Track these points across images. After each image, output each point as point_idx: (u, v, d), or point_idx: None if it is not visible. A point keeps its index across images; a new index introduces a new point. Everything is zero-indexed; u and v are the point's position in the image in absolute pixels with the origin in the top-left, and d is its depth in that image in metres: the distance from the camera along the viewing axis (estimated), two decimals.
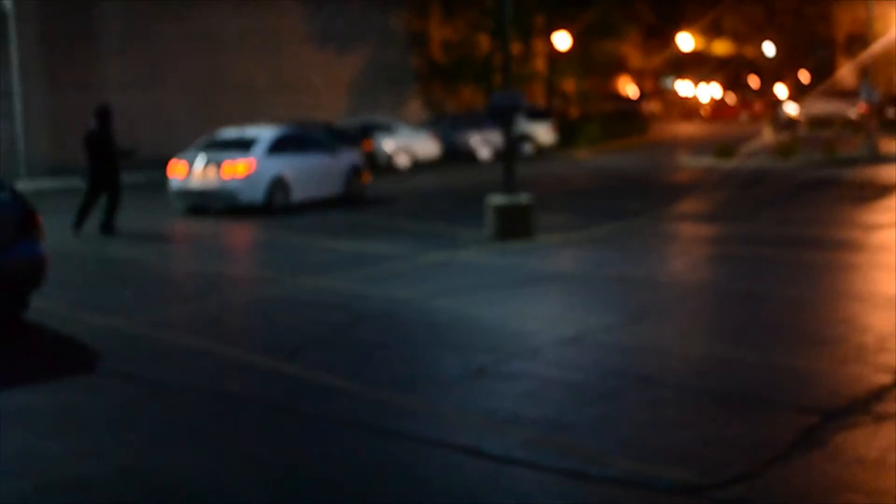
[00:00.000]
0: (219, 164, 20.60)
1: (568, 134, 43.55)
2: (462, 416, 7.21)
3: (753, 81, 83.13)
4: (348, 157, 23.55)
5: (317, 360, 8.91)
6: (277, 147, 21.45)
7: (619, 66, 66.16)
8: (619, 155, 39.76)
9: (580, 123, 47.32)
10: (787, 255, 14.40)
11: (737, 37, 74.26)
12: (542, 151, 40.16)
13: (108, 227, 18.04)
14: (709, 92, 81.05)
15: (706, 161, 34.40)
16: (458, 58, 45.45)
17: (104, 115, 18.21)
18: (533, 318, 10.43)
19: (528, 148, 39.41)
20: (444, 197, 24.85)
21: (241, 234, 18.62)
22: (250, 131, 22.23)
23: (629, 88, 73.51)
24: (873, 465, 6.07)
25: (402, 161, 33.96)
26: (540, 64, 50.89)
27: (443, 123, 38.42)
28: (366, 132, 33.20)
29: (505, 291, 11.99)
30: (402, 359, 8.86)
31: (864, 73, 45.16)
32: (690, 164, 34.61)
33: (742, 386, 7.80)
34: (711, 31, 72.12)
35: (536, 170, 31.19)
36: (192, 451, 6.67)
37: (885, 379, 7.83)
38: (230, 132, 22.68)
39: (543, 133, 41.24)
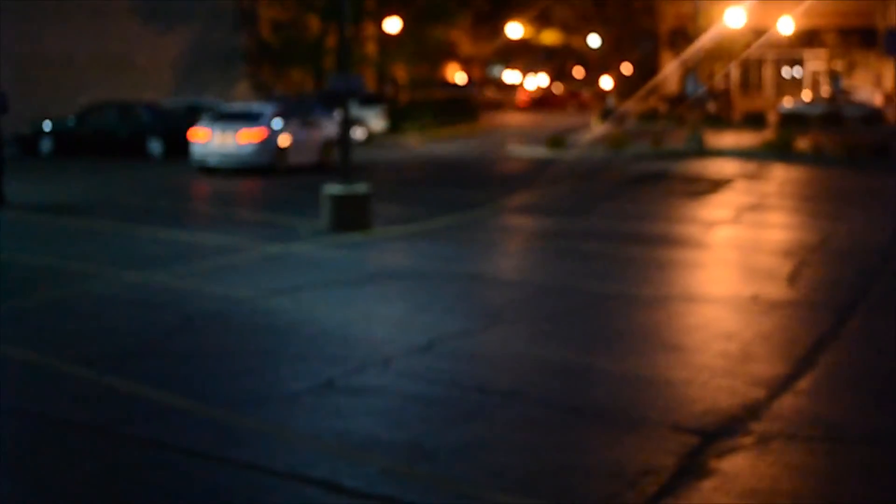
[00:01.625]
0: (236, 132, 24.84)
1: (398, 120, 42.93)
2: (312, 439, 6.46)
3: (579, 72, 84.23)
4: (326, 130, 27.33)
5: (145, 371, 7.97)
6: (278, 119, 25.74)
7: (449, 53, 65.92)
8: (451, 143, 39.35)
9: (411, 110, 46.74)
10: (630, 252, 14.09)
11: (565, 27, 74.96)
12: (372, 138, 39.38)
13: None
14: (536, 81, 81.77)
15: (538, 151, 34.32)
16: (288, 39, 44.24)
17: None
18: (380, 322, 9.73)
19: (359, 134, 38.58)
20: (274, 183, 23.86)
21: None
22: (254, 105, 27.17)
23: (458, 76, 73.47)
24: (767, 496, 5.61)
25: None
26: (371, 48, 50.10)
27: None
28: (192, 114, 31.80)
29: (347, 290, 11.24)
30: (240, 370, 8.01)
31: (689, 67, 46.06)
32: (523, 153, 34.46)
33: (610, 400, 7.28)
34: (541, 20, 72.63)
35: (368, 157, 30.44)
36: (6, 483, 5.75)
37: (758, 393, 7.43)
38: (234, 106, 27.75)
39: (374, 119, 40.51)
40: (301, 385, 7.53)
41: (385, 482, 5.76)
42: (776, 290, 11.41)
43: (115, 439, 6.46)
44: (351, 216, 15.99)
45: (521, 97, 75.50)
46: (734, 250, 14.68)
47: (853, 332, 9.69)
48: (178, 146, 30.20)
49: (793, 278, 12.21)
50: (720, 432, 6.58)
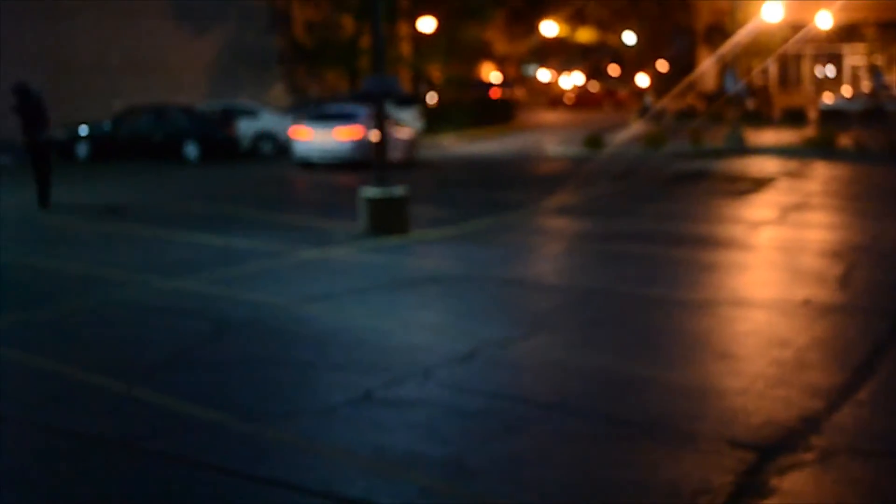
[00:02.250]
0: (335, 130, 27.21)
1: (434, 120, 42.65)
2: (348, 454, 6.17)
3: (615, 70, 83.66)
4: (406, 131, 29.81)
5: (174, 382, 7.72)
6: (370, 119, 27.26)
7: (484, 52, 65.58)
8: (487, 143, 39.06)
9: (446, 110, 46.45)
10: (674, 255, 13.72)
11: (600, 24, 74.44)
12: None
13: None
14: (571, 80, 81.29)
15: (576, 150, 33.96)
16: (322, 40, 44.05)
17: (20, 91, 19.08)
18: (419, 329, 9.43)
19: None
20: (312, 186, 23.65)
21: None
22: (347, 107, 28.99)
23: (493, 75, 73.13)
24: None
25: (267, 147, 32.59)
26: (405, 48, 49.86)
27: (307, 108, 37.07)
28: (228, 116, 31.71)
29: (385, 295, 10.96)
30: (273, 380, 7.74)
31: (727, 63, 45.47)
32: (560, 153, 34.11)
33: (660, 412, 6.94)
34: (576, 18, 72.15)
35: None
36: (24, 498, 5.50)
37: (816, 404, 7.07)
38: (330, 108, 29.76)
39: (411, 120, 40.20)
40: (338, 397, 7.25)
41: (424, 502, 5.46)
42: (828, 294, 11.02)
43: (140, 455, 6.20)
44: (388, 219, 15.73)
45: (566, 95, 74.98)
46: (781, 252, 14.26)
47: None
48: (214, 149, 30.14)
49: (844, 281, 11.80)
50: (779, 447, 6.23)
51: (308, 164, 27.68)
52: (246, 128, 32.03)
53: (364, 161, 25.99)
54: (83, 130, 30.64)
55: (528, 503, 5.45)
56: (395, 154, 27.42)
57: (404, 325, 9.57)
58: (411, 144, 29.79)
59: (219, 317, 9.81)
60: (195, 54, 39.88)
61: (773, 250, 14.45)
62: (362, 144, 26.75)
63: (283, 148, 32.69)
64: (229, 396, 7.32)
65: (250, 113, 33.17)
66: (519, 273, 12.47)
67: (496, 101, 54.88)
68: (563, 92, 78.33)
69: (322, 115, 28.91)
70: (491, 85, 65.48)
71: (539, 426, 6.69)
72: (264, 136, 32.69)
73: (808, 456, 6.11)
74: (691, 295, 10.96)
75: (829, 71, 62.86)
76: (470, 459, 6.07)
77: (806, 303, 10.48)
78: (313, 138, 27.51)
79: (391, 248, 14.38)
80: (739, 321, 9.79)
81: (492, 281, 11.89)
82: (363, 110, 27.50)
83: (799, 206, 19.08)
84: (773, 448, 6.22)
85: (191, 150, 29.99)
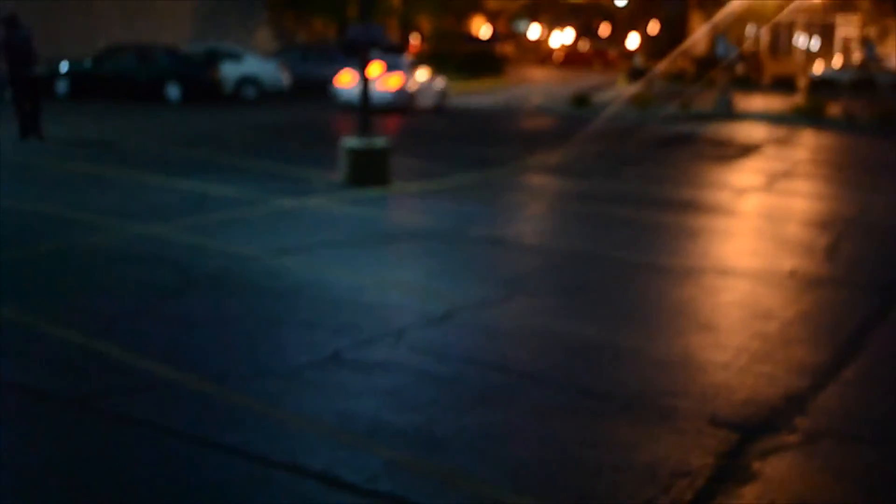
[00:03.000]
0: (379, 79, 28.07)
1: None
2: (312, 422, 5.87)
3: (605, 30, 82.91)
4: (439, 81, 32.21)
5: (136, 336, 7.37)
6: (411, 68, 30.59)
7: (475, 6, 64.79)
8: (475, 97, 38.56)
9: (435, 62, 45.84)
10: (659, 219, 13.43)
11: None
12: None
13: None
14: (561, 38, 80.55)
15: (563, 108, 33.61)
16: None
17: (9, 23, 18.77)
18: (394, 287, 9.12)
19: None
20: (293, 133, 23.22)
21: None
22: (389, 56, 29.94)
23: (483, 29, 72.36)
24: None
25: (250, 92, 32.07)
26: None
27: (294, 54, 36.51)
28: (212, 59, 31.14)
29: (361, 250, 10.63)
30: (239, 338, 7.41)
31: (718, 28, 45.04)
32: (548, 110, 33.73)
33: (640, 386, 6.66)
34: None
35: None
36: None
37: (801, 382, 6.81)
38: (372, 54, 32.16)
39: None
40: (305, 358, 6.94)
41: (389, 477, 5.17)
42: (814, 266, 10.77)
43: (94, 414, 5.87)
44: (369, 170, 15.38)
45: (555, 53, 74.30)
46: (768, 220, 13.99)
47: None
48: (197, 91, 29.61)
49: (831, 253, 11.56)
50: (762, 428, 5.97)
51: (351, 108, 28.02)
52: (230, 71, 31.48)
53: (405, 107, 29.24)
54: (63, 67, 30.02)
55: (495, 480, 5.17)
56: (427, 102, 30.93)
57: (379, 282, 9.25)
58: (443, 94, 32.15)
59: (188, 267, 9.48)
60: None
61: (760, 218, 14.19)
62: (402, 92, 29.28)
63: (266, 92, 32.18)
64: (192, 354, 7.00)
65: (235, 56, 32.60)
66: (499, 232, 12.15)
67: (486, 55, 54.22)
68: (552, 50, 77.63)
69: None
70: (481, 39, 64.77)
71: (514, 397, 6.41)
72: (248, 81, 32.15)
73: (792, 438, 5.86)
74: (675, 261, 10.68)
75: (821, 41, 62.51)
76: (439, 431, 5.78)
77: (792, 274, 10.23)
78: (356, 85, 27.56)
79: (370, 200, 14.05)
80: (723, 291, 9.52)
81: (471, 239, 11.57)
82: (404, 59, 31.19)
83: (786, 174, 18.82)
84: (755, 428, 5.96)
85: (172, 91, 29.47)
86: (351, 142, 15.42)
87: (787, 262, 10.79)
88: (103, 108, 27.11)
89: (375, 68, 28.23)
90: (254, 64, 32.71)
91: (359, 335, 7.46)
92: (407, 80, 29.58)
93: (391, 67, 29.45)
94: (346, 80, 29.00)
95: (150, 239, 10.74)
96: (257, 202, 13.25)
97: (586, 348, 7.50)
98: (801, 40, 63.55)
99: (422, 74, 31.23)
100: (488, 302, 8.65)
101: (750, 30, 54.93)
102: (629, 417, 6.12)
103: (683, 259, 10.91)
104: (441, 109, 31.36)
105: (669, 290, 9.49)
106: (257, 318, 7.95)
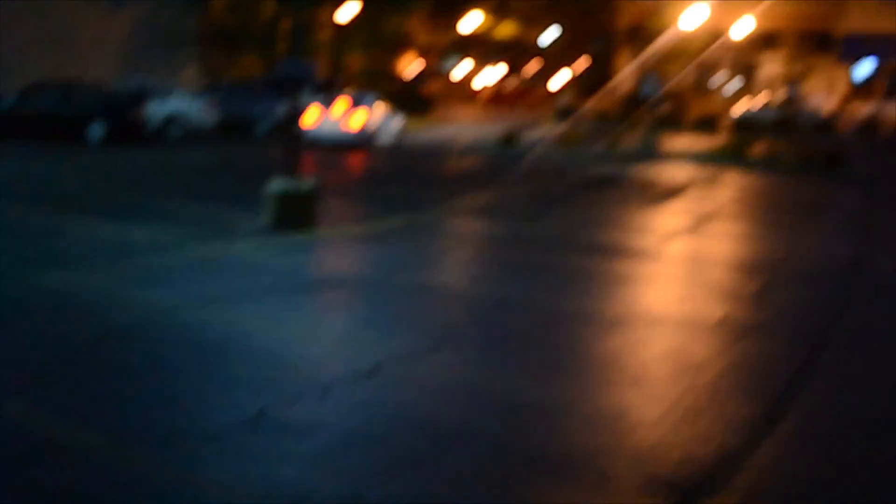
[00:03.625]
0: (342, 116, 30.40)
1: None
2: (232, 490, 5.60)
3: (532, 68, 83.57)
4: (398, 119, 33.63)
5: (46, 396, 7.03)
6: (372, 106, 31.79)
7: (405, 43, 64.93)
8: (403, 136, 38.47)
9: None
10: (587, 264, 13.34)
11: (522, 20, 74.19)
12: None
13: None
14: (489, 76, 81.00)
15: (492, 148, 33.63)
16: (241, 21, 43.03)
17: None
18: (321, 339, 8.88)
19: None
20: (218, 174, 22.90)
21: None
22: (354, 94, 32.69)
23: (411, 67, 72.51)
24: None
25: (177, 131, 31.61)
26: (325, 35, 48.99)
27: (221, 92, 36.12)
28: (137, 97, 30.59)
29: (286, 300, 10.38)
30: (159, 397, 7.11)
31: (645, 67, 45.57)
32: (475, 149, 33.73)
33: (574, 446, 6.49)
34: (499, 12, 71.82)
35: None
36: None
37: (736, 439, 6.70)
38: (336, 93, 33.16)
39: None
40: (227, 417, 6.66)
41: None
42: (744, 313, 10.73)
43: None
44: (295, 214, 15.11)
45: (483, 91, 74.68)
46: (695, 264, 13.99)
47: (829, 365, 8.99)
48: (121, 130, 29.09)
49: (760, 300, 11.55)
50: (700, 489, 5.84)
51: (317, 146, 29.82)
52: (156, 109, 30.96)
53: (366, 145, 30.82)
54: None
55: None
56: (386, 139, 32.32)
57: (304, 334, 9.01)
58: (401, 131, 33.78)
59: (104, 319, 9.14)
60: (109, 31, 38.63)
61: (687, 263, 14.20)
62: (364, 131, 30.90)
63: (193, 131, 31.72)
64: (105, 415, 6.69)
65: (161, 94, 32.11)
66: (426, 279, 11.97)
67: (414, 93, 54.25)
68: (480, 88, 78.02)
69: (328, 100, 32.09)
70: (408, 78, 64.86)
71: (445, 458, 6.20)
72: (175, 119, 31.65)
73: (731, 500, 5.72)
74: (603, 309, 10.57)
75: (744, 80, 63.57)
76: (368, 497, 5.55)
77: (721, 323, 10.17)
78: (322, 123, 30.82)
79: (296, 245, 13.79)
80: (653, 341, 9.42)
81: (398, 287, 11.37)
82: (369, 98, 32.36)
83: (712, 216, 18.92)
84: (693, 490, 5.82)
85: (96, 130, 28.92)
86: (277, 184, 15.16)
87: (716, 310, 10.74)
88: (23, 149, 26.52)
89: (341, 105, 30.97)
90: (181, 102, 32.24)
91: (283, 392, 7.21)
92: (369, 118, 31.03)
93: (356, 103, 31.23)
94: (310, 119, 30.00)
95: (65, 288, 10.37)
96: (180, 247, 12.93)
97: (518, 404, 7.31)
98: (723, 80, 64.53)
99: (380, 112, 32.52)
100: (417, 354, 8.45)
101: (675, 69, 55.67)
102: (563, 482, 5.94)
103: (611, 307, 10.82)
104: (398, 146, 32.64)
105: (599, 341, 9.37)
106: (177, 373, 7.66)
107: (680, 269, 13.71)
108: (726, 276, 13.02)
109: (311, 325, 9.36)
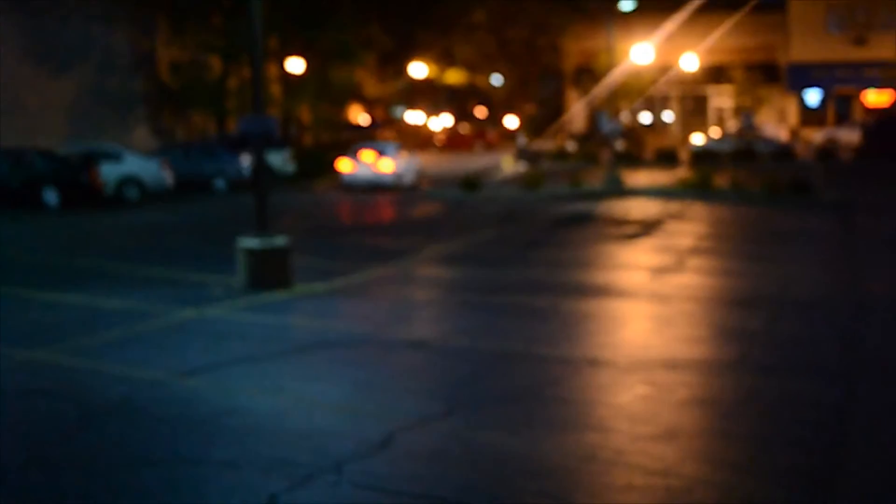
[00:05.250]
0: (374, 163, 34.84)
1: (306, 164, 41.26)
2: None
3: (482, 112, 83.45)
4: (418, 161, 38.88)
5: (28, 489, 6.32)
6: (397, 152, 36.32)
7: (354, 94, 64.53)
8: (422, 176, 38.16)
9: (318, 153, 45.15)
10: (582, 308, 12.76)
11: (469, 66, 74.10)
12: (280, 183, 37.69)
13: None
14: (441, 122, 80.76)
15: (454, 193, 33.10)
16: (188, 81, 42.37)
17: None
18: (321, 409, 8.20)
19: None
20: (182, 234, 22.16)
21: None
22: (379, 143, 38.62)
23: (361, 117, 72.09)
24: None
25: (133, 193, 30.84)
26: (274, 89, 48.44)
27: (175, 151, 35.43)
28: (89, 160, 29.83)
29: (276, 365, 9.70)
30: (150, 484, 6.40)
31: (595, 105, 45.37)
32: (438, 195, 33.19)
33: None
34: (445, 59, 71.73)
35: (279, 204, 28.79)
36: None
37: (803, 498, 6.10)
38: (366, 143, 37.68)
39: (282, 163, 38.82)
40: None
41: None
42: (760, 351, 10.18)
43: None
44: (270, 272, 14.47)
45: (436, 136, 74.33)
46: (693, 303, 13.43)
47: (869, 403, 8.37)
48: (76, 195, 28.31)
49: (771, 336, 11.01)
50: None
51: (352, 189, 34.86)
52: (110, 172, 30.23)
53: (394, 186, 34.72)
54: None
55: None
56: (410, 179, 36.16)
57: (303, 402, 8.33)
58: (420, 172, 37.91)
59: (84, 398, 8.42)
60: (56, 95, 37.85)
61: (684, 301, 13.59)
62: (395, 174, 35.01)
63: (149, 192, 30.96)
64: None
65: (114, 156, 31.36)
66: (419, 334, 11.33)
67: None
68: (432, 133, 77.67)
69: (359, 148, 36.50)
70: (362, 126, 64.41)
71: None
72: (130, 181, 30.91)
73: None
74: (615, 357, 9.97)
75: (695, 112, 63.77)
76: None
77: (741, 362, 9.62)
78: (358, 169, 35.14)
79: (275, 305, 13.12)
80: (676, 387, 8.81)
81: (392, 344, 10.72)
82: (392, 146, 37.32)
83: (694, 251, 18.45)
84: None
85: (50, 196, 28.11)
86: (248, 241, 14.50)
87: (731, 350, 10.21)
88: None
89: (369, 155, 35.11)
90: (134, 163, 31.52)
91: (293, 473, 6.53)
92: (396, 163, 35.18)
93: (382, 153, 35.34)
94: (346, 167, 35.32)
95: (36, 366, 9.63)
96: (153, 315, 12.22)
97: (545, 470, 6.68)
98: (672, 114, 64.71)
99: (403, 156, 36.65)
100: (427, 420, 7.80)
101: (626, 105, 55.69)
102: None
103: (622, 351, 10.23)
104: (417, 187, 35.90)
105: (619, 391, 8.77)
106: (171, 457, 6.95)
107: (678, 308, 13.13)
108: (728, 314, 12.49)
109: (310, 392, 8.67)
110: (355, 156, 35.61)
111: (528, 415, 8.03)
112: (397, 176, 35.11)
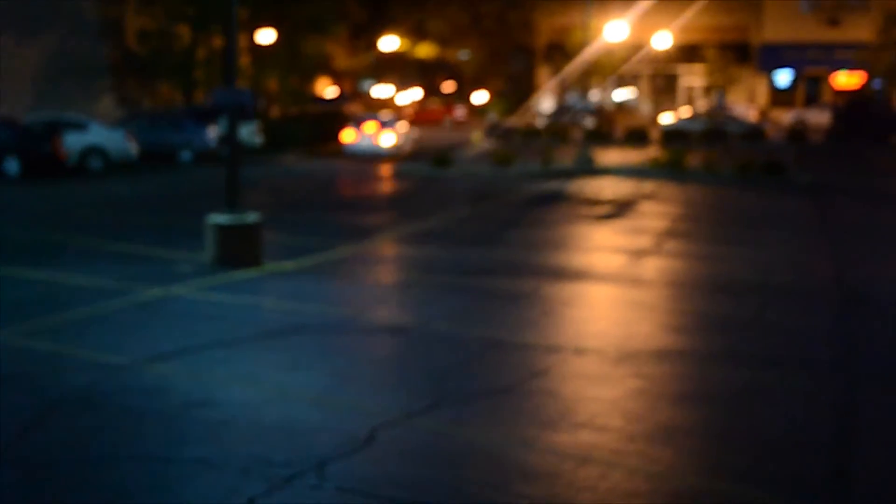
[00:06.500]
0: (375, 133, 37.06)
1: (274, 137, 40.60)
2: None
3: (451, 87, 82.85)
4: (414, 131, 41.66)
5: None
6: (395, 124, 38.49)
7: (323, 66, 63.74)
8: (332, 160, 37.33)
9: (286, 125, 44.45)
10: (561, 292, 12.38)
11: (441, 40, 73.47)
12: (248, 155, 37.02)
13: None
14: (409, 96, 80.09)
15: (425, 169, 32.63)
16: (156, 50, 41.49)
17: None
18: (299, 400, 7.78)
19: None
20: (147, 207, 21.57)
21: None
22: (378, 114, 41.13)
23: (329, 90, 71.31)
24: None
25: (96, 163, 30.13)
26: (244, 60, 47.63)
27: (139, 122, 34.68)
28: (53, 130, 29.09)
29: (249, 351, 9.25)
30: (115, 485, 5.97)
31: (566, 82, 44.97)
32: (409, 172, 32.70)
33: None
34: (416, 33, 71.07)
35: (247, 177, 28.20)
36: None
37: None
38: (365, 115, 41.16)
39: (249, 136, 38.12)
40: None
41: None
42: (749, 343, 9.86)
43: None
44: (239, 249, 14.00)
45: (405, 111, 73.67)
46: (675, 288, 13.11)
47: (873, 401, 8.04)
48: (38, 165, 27.63)
49: (760, 326, 10.69)
50: None
51: (355, 157, 36.71)
52: (73, 142, 29.48)
53: (395, 154, 36.68)
54: None
55: None
56: (407, 148, 38.41)
57: (280, 393, 7.90)
58: (417, 141, 40.35)
59: (45, 386, 7.95)
60: (19, 63, 36.94)
61: (666, 287, 13.27)
62: (396, 146, 37.12)
63: (113, 163, 30.27)
64: None
65: (78, 126, 30.60)
66: (398, 319, 10.92)
67: (336, 115, 53.05)
68: (401, 108, 77.03)
69: (359, 119, 39.01)
70: (329, 99, 63.67)
71: None
72: (94, 151, 30.18)
73: None
74: (599, 344, 9.62)
75: (666, 91, 63.56)
76: None
77: (730, 354, 9.28)
78: (360, 139, 37.29)
79: (245, 284, 12.66)
80: (668, 381, 8.48)
81: (370, 329, 10.31)
82: (391, 116, 39.96)
83: (671, 234, 18.12)
84: None
85: (11, 165, 27.39)
86: (217, 217, 14.01)
87: (720, 341, 9.88)
88: None
89: (371, 126, 37.30)
90: (99, 133, 30.78)
91: (273, 473, 6.11)
92: (397, 135, 37.50)
93: (384, 125, 37.51)
94: (349, 137, 37.49)
95: (0, 350, 9.15)
96: (119, 293, 11.72)
97: (537, 473, 6.30)
98: (647, 91, 64.45)
99: (402, 127, 39.10)
100: (412, 415, 7.39)
101: (597, 83, 55.36)
102: None
103: (607, 341, 9.86)
104: (415, 154, 37.66)
105: (610, 384, 8.40)
106: (140, 454, 6.51)
107: (659, 293, 12.78)
108: (712, 301, 12.16)
109: (286, 382, 8.24)
110: (359, 127, 37.61)
111: (518, 410, 7.64)
112: (397, 147, 37.21)
